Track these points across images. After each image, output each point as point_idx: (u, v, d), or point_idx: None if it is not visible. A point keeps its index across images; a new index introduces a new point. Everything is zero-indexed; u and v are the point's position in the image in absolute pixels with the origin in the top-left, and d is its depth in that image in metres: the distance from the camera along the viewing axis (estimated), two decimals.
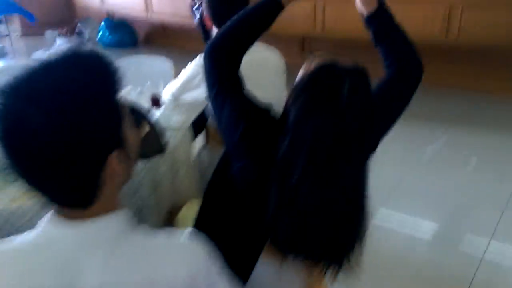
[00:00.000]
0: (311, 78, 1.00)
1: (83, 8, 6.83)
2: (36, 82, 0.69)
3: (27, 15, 5.96)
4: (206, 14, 1.98)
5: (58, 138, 0.67)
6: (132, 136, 0.80)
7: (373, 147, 1.15)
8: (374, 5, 1.22)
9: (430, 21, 3.68)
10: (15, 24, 6.88)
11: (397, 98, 1.22)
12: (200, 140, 2.19)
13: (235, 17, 1.20)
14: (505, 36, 3.49)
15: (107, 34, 6.19)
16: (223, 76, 1.16)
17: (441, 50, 3.95)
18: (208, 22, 1.99)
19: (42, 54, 5.73)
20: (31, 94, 0.67)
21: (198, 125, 2.14)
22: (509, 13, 3.44)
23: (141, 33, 6.38)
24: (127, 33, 6.26)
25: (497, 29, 3.48)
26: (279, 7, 1.19)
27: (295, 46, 4.94)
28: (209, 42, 1.19)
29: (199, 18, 2.73)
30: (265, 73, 2.04)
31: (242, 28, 1.19)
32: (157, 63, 2.94)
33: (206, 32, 2.24)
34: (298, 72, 1.13)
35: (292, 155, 0.97)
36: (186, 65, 2.06)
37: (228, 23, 1.19)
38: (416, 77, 1.24)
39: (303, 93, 0.99)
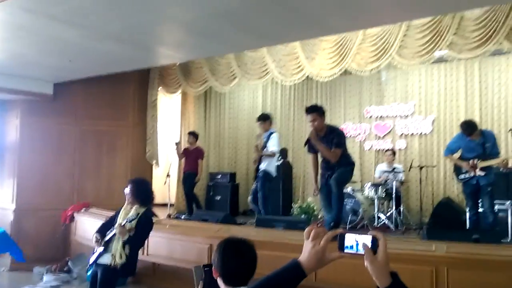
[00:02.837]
0: None
1: (78, 244, 7.00)
2: None
3: (16, 255, 6.08)
4: (214, 267, 2.11)
5: None
6: None
7: None
8: (388, 281, 1.28)
9: (419, 278, 3.83)
10: (6, 257, 6.90)
11: None
12: None
13: (262, 279, 1.32)
14: None
15: None
16: None
17: None
18: (216, 273, 2.10)
19: None
20: None
21: None
22: (494, 274, 3.62)
23: None
24: None
25: None
26: (303, 276, 1.31)
27: None
28: None
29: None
30: None
31: None
32: None
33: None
34: None
35: None
36: None
37: (255, 285, 1.30)
38: None
39: None
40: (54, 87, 7.52)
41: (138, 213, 4.05)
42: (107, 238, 4.09)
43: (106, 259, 4.03)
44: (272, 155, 6.50)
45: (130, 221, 3.94)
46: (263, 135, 6.68)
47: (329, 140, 5.05)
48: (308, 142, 5.22)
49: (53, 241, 7.17)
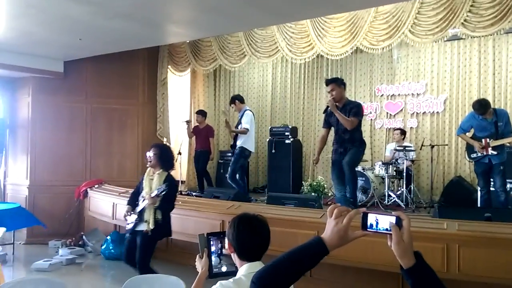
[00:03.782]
0: None
1: (92, 219, 7.12)
2: None
3: (41, 224, 6.22)
4: (229, 243, 2.13)
5: None
6: None
7: None
8: (412, 261, 1.27)
9: (431, 255, 3.85)
10: (22, 231, 7.05)
11: None
12: None
13: (284, 254, 1.31)
14: (504, 273, 3.61)
15: (111, 247, 6.29)
16: None
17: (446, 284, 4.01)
18: (230, 249, 2.13)
19: (42, 265, 5.72)
20: None
21: None
22: (506, 252, 3.63)
23: None
24: None
25: (496, 266, 3.63)
26: (325, 252, 1.30)
27: None
28: (256, 274, 1.30)
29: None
30: None
31: (289, 268, 1.30)
32: (169, 282, 2.94)
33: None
34: None
35: None
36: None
37: (277, 259, 1.31)
38: None
39: None
40: (64, 65, 7.54)
41: (165, 183, 4.20)
42: (139, 208, 4.29)
43: (142, 226, 4.26)
44: (243, 131, 6.76)
45: (160, 193, 4.11)
46: (238, 114, 7.11)
47: (347, 110, 5.28)
48: (327, 109, 5.41)
49: (67, 216, 7.30)
